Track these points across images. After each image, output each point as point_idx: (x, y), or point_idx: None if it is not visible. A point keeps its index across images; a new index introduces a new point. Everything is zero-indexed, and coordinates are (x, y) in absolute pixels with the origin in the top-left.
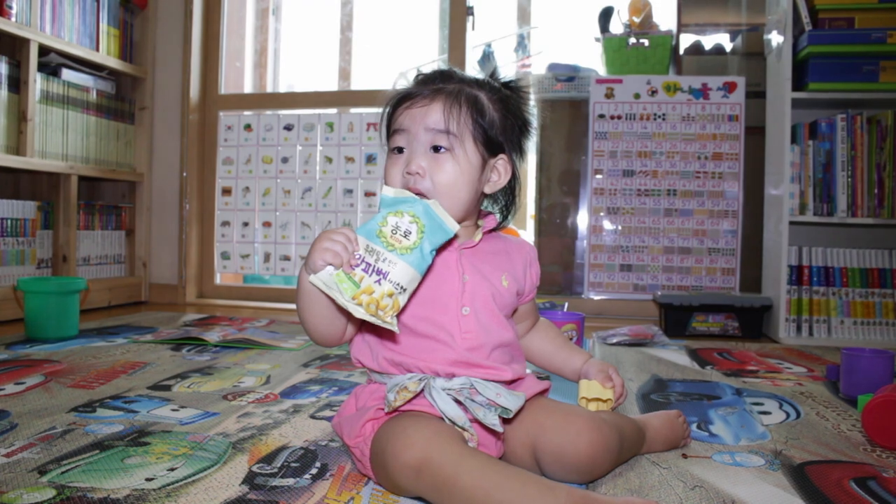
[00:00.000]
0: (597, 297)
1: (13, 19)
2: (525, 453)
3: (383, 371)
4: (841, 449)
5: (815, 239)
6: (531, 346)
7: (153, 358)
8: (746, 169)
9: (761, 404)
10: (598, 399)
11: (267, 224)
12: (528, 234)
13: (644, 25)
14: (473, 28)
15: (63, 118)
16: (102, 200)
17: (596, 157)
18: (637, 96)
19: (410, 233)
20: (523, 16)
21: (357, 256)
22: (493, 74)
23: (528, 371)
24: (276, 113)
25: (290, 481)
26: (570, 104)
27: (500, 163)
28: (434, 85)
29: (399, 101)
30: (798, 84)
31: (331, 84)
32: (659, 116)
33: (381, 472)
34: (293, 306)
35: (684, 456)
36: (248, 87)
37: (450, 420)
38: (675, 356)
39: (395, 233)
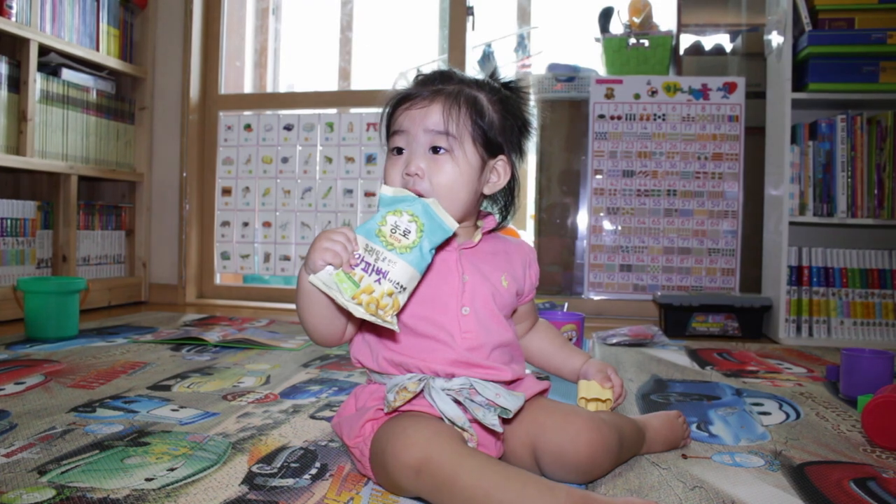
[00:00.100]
0: (597, 298)
1: (13, 19)
2: (525, 453)
3: (383, 371)
4: (841, 449)
5: (814, 239)
6: (530, 346)
7: (153, 358)
8: (746, 169)
9: (761, 405)
10: (597, 399)
11: (267, 224)
12: (528, 234)
13: (644, 26)
14: (473, 28)
15: (63, 118)
16: (102, 200)
17: (596, 157)
18: (637, 97)
19: (410, 232)
20: (523, 16)
21: (357, 256)
22: (492, 75)
23: (527, 371)
24: (276, 113)
25: (289, 481)
26: (569, 104)
27: (500, 164)
28: (433, 86)
29: (398, 102)
30: (798, 84)
31: (331, 84)
32: (659, 117)
33: (380, 473)
34: (293, 306)
35: (684, 456)
36: (248, 87)
37: (449, 420)
38: (674, 356)
39: (395, 232)
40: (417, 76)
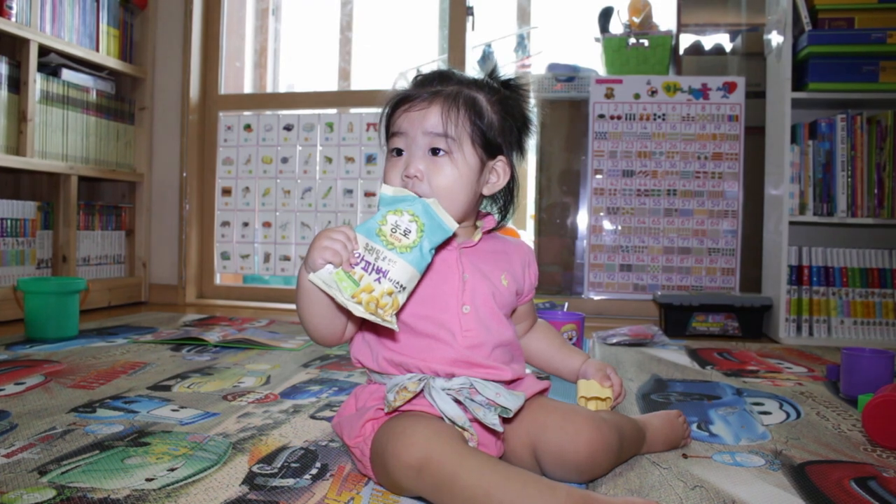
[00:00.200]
0: (597, 297)
1: (13, 19)
2: (525, 453)
3: (383, 371)
4: (841, 449)
5: (814, 239)
6: (529, 346)
7: (153, 358)
8: (746, 169)
9: (761, 404)
10: (596, 398)
11: (267, 224)
12: (528, 234)
13: (644, 25)
14: (473, 28)
15: (63, 118)
16: (102, 200)
17: (596, 157)
18: (637, 96)
19: (410, 231)
20: (523, 16)
21: (357, 255)
22: (492, 73)
23: (527, 371)
24: (276, 113)
25: (290, 481)
26: (569, 104)
27: (499, 164)
28: (432, 87)
29: (397, 103)
30: (798, 84)
31: (331, 84)
32: (659, 116)
33: (381, 472)
34: (293, 306)
35: (684, 456)
36: (247, 88)
37: (450, 420)
38: (675, 356)
39: (395, 231)
40: (416, 77)
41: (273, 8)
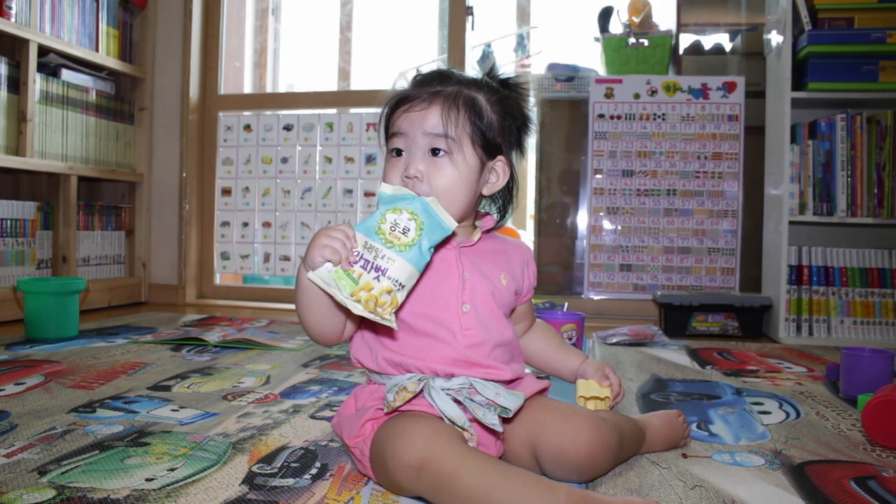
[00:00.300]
0: (597, 297)
1: (13, 19)
2: (525, 452)
3: (382, 371)
4: (841, 448)
5: (814, 239)
6: (528, 346)
7: (153, 358)
8: (746, 169)
9: (761, 404)
10: (595, 398)
11: (267, 224)
12: (527, 233)
13: (644, 25)
14: (473, 28)
15: (62, 118)
16: (102, 201)
17: (596, 156)
18: (637, 96)
19: (409, 230)
20: (523, 16)
21: (356, 253)
22: (491, 72)
23: (526, 370)
24: (276, 113)
25: (289, 481)
26: (569, 104)
27: (499, 164)
28: (432, 87)
29: (397, 104)
30: (798, 84)
31: (330, 84)
32: (659, 116)
33: (381, 472)
34: (293, 306)
35: (684, 456)
36: (247, 88)
37: (449, 420)
38: (674, 356)
39: (394, 230)
40: (416, 76)
41: (273, 8)
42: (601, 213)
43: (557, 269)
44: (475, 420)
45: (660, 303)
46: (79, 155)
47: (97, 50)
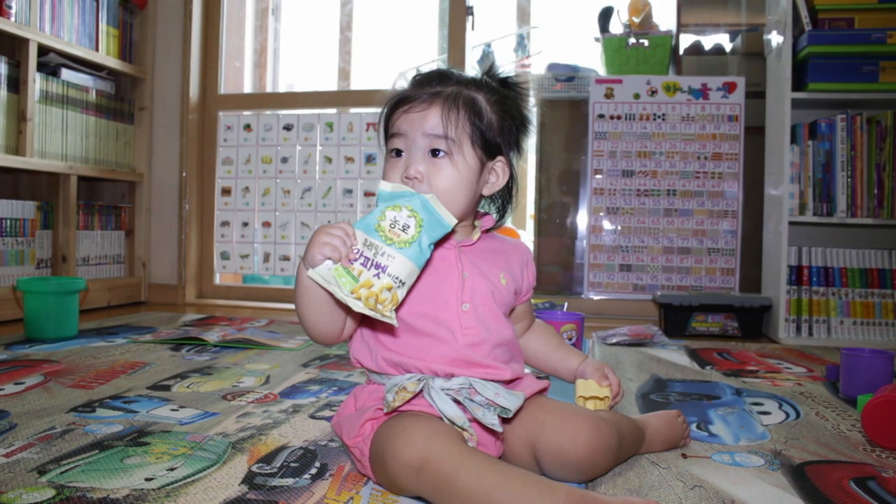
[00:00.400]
0: (596, 297)
1: (12, 19)
2: (524, 452)
3: (382, 372)
4: (840, 449)
5: (814, 239)
6: (527, 346)
7: (153, 358)
8: (746, 169)
9: (761, 404)
10: (594, 398)
11: (266, 224)
12: (527, 233)
13: (644, 25)
14: (473, 28)
15: (62, 118)
16: (102, 200)
17: (595, 157)
18: (637, 96)
19: (409, 227)
20: (523, 16)
21: (355, 251)
22: (490, 71)
23: (526, 370)
24: (276, 113)
25: (289, 481)
26: (569, 104)
27: (499, 165)
28: (431, 87)
29: (397, 104)
30: (798, 84)
31: (330, 84)
32: (659, 116)
33: (380, 472)
34: (293, 306)
35: (684, 456)
36: (247, 87)
37: (449, 420)
38: (674, 356)
39: (394, 227)
40: (415, 77)
41: (273, 8)
42: (601, 213)
43: (557, 269)
44: (475, 420)
45: (660, 303)
46: (79, 155)
47: (97, 49)
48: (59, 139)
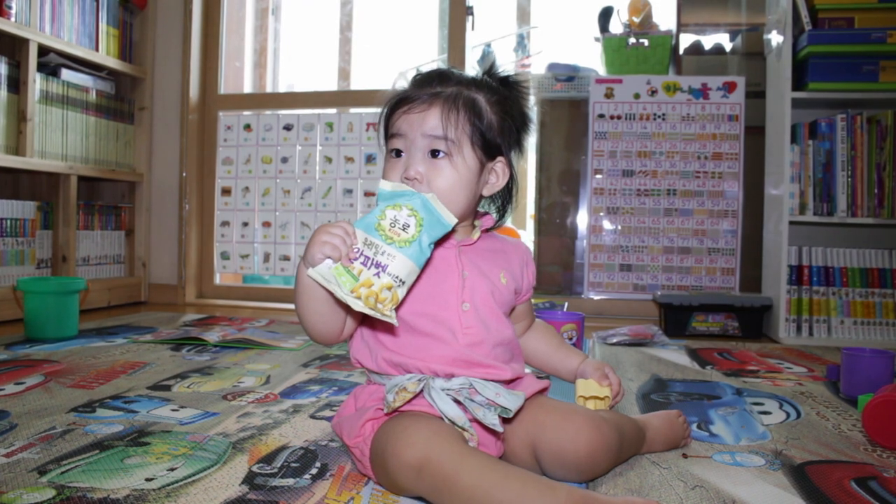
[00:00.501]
0: (597, 297)
1: (13, 19)
2: (525, 452)
3: (382, 372)
4: (841, 449)
5: (814, 239)
6: (528, 346)
7: (153, 358)
8: (746, 169)
9: (761, 404)
10: (595, 397)
11: (266, 224)
12: (527, 233)
13: (644, 25)
14: (473, 28)
15: (62, 118)
16: (102, 200)
17: (596, 156)
18: (637, 96)
19: (409, 226)
20: (523, 16)
21: (355, 250)
22: (490, 70)
23: (526, 370)
24: (276, 113)
25: (290, 481)
26: (569, 104)
27: (499, 166)
28: (431, 88)
29: (397, 104)
30: (798, 84)
31: (330, 84)
32: (659, 116)
33: (381, 472)
34: (293, 306)
35: (684, 456)
36: (247, 87)
37: (449, 420)
38: (675, 356)
39: (394, 226)
40: (415, 76)
41: (273, 8)
42: (601, 213)
43: (557, 269)
44: (475, 420)
45: (660, 303)
46: (79, 155)
47: (97, 50)
48: (59, 139)
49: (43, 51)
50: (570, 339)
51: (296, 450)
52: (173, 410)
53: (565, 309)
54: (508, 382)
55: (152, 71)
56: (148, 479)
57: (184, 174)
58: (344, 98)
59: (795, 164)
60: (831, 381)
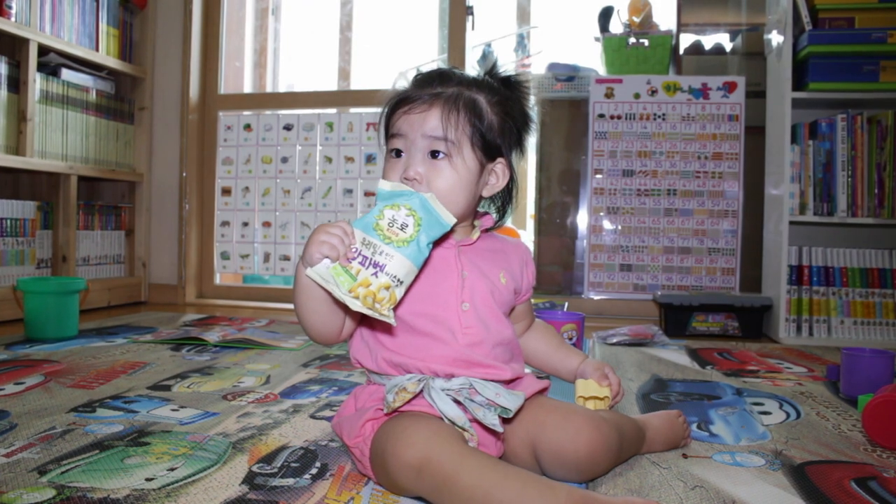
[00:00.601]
0: (597, 297)
1: (13, 19)
2: (525, 452)
3: (382, 372)
4: (841, 449)
5: (815, 239)
6: (527, 346)
7: (153, 358)
8: (746, 169)
9: (761, 404)
10: (594, 398)
11: (266, 224)
12: (527, 233)
13: (644, 25)
14: (473, 28)
15: (62, 118)
16: (102, 200)
17: (596, 156)
18: (637, 96)
19: (407, 226)
20: (523, 16)
21: (354, 249)
22: (492, 70)
23: (526, 370)
24: (276, 113)
25: (290, 481)
26: (569, 104)
27: (499, 167)
28: (432, 88)
29: (397, 104)
30: (798, 84)
31: (330, 84)
32: (659, 116)
33: (381, 472)
34: (293, 306)
35: (684, 456)
36: (247, 87)
37: (449, 420)
38: (675, 356)
39: (392, 226)
40: (416, 76)
41: (273, 8)
42: (601, 213)
43: (557, 268)
44: (475, 420)
45: (660, 303)
46: (79, 155)
47: (97, 49)
48: (59, 139)
49: (43, 51)
50: (570, 339)
51: (296, 450)
52: (173, 410)
53: (565, 309)
54: (508, 382)
55: (152, 71)
56: (148, 479)
57: (184, 174)
58: (344, 98)
59: (795, 164)
60: (831, 381)
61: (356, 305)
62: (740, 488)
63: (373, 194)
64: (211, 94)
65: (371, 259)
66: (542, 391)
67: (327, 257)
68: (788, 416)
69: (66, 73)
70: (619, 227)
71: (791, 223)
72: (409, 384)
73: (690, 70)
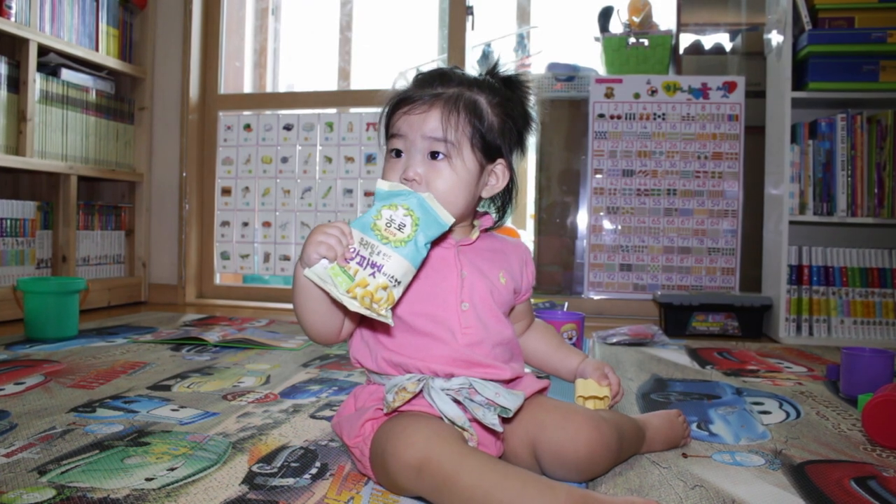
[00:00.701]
0: (597, 297)
1: (12, 19)
2: (525, 452)
3: (382, 372)
4: (841, 448)
5: (814, 238)
6: (527, 346)
7: (153, 358)
8: (746, 168)
9: (761, 404)
10: (594, 397)
11: (266, 224)
12: (527, 233)
13: (644, 25)
14: (473, 28)
15: (62, 118)
16: (102, 200)
17: (596, 156)
18: (637, 96)
19: (405, 226)
20: (523, 15)
21: (352, 250)
22: (493, 70)
23: (526, 370)
24: (276, 113)
25: (289, 481)
26: (569, 104)
27: (499, 167)
28: (432, 88)
29: (397, 104)
30: (798, 84)
31: (330, 84)
32: (659, 116)
33: (380, 472)
34: (292, 306)
35: (684, 455)
36: (247, 87)
37: (449, 420)
38: (675, 356)
39: (390, 226)
40: (417, 76)
41: (273, 8)
42: (601, 213)
43: (557, 268)
44: (475, 420)
45: (660, 303)
46: (79, 155)
47: (97, 49)
48: (59, 139)
49: (43, 51)
50: (570, 339)
51: (296, 450)
52: (173, 410)
53: (565, 309)
54: (508, 382)
55: (152, 71)
56: (148, 479)
57: (184, 174)
58: (344, 98)
59: (795, 164)
60: (831, 380)
61: (354, 306)
62: (740, 488)
63: (373, 194)
64: (211, 94)
65: (369, 259)
66: (542, 391)
67: (325, 258)
68: (788, 415)
69: (66, 73)
70: (619, 227)
71: (791, 223)
72: (408, 384)
73: (690, 70)
